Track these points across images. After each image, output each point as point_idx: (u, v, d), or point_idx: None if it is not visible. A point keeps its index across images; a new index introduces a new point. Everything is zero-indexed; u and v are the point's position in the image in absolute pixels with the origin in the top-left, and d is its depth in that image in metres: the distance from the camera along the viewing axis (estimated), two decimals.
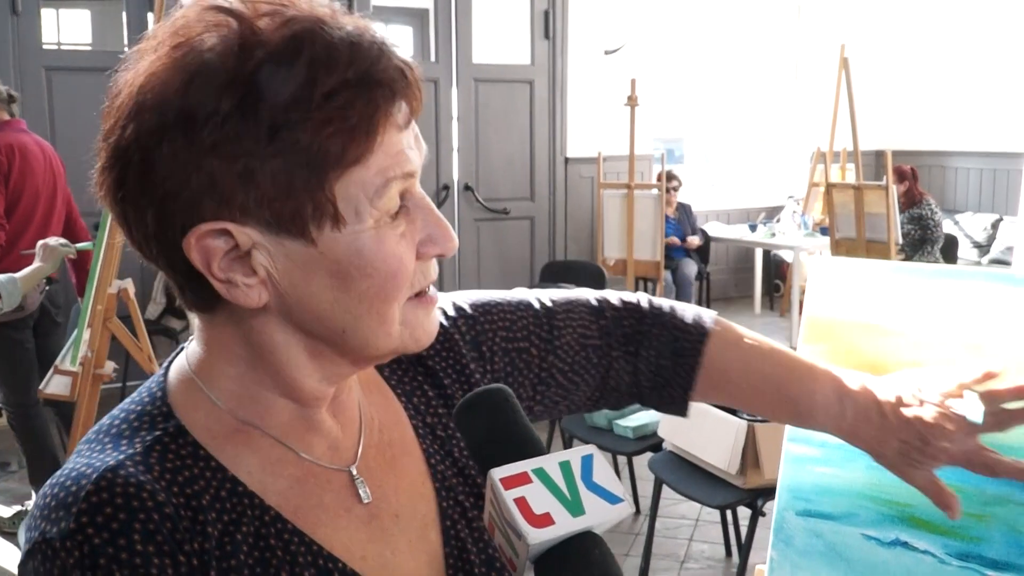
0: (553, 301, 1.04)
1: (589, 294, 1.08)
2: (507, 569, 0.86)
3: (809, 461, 1.25)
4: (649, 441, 3.67)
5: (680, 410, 1.06)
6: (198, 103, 0.70)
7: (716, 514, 3.94)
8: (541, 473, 0.71)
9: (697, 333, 1.04)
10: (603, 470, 0.73)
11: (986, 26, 8.63)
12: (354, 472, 0.84)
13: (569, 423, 4.04)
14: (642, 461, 3.75)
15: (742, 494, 3.05)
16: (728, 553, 3.89)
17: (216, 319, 0.79)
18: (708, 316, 1.06)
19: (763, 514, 3.01)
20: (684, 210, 7.90)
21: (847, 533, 1.21)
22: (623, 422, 3.78)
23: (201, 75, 0.70)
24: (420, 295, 0.80)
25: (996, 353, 1.13)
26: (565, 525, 0.69)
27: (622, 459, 4.11)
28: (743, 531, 3.52)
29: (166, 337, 5.90)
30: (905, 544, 1.16)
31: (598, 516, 0.70)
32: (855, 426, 1.00)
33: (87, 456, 0.76)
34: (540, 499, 0.69)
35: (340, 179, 0.72)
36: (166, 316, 6.13)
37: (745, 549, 3.15)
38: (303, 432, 0.82)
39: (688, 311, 1.07)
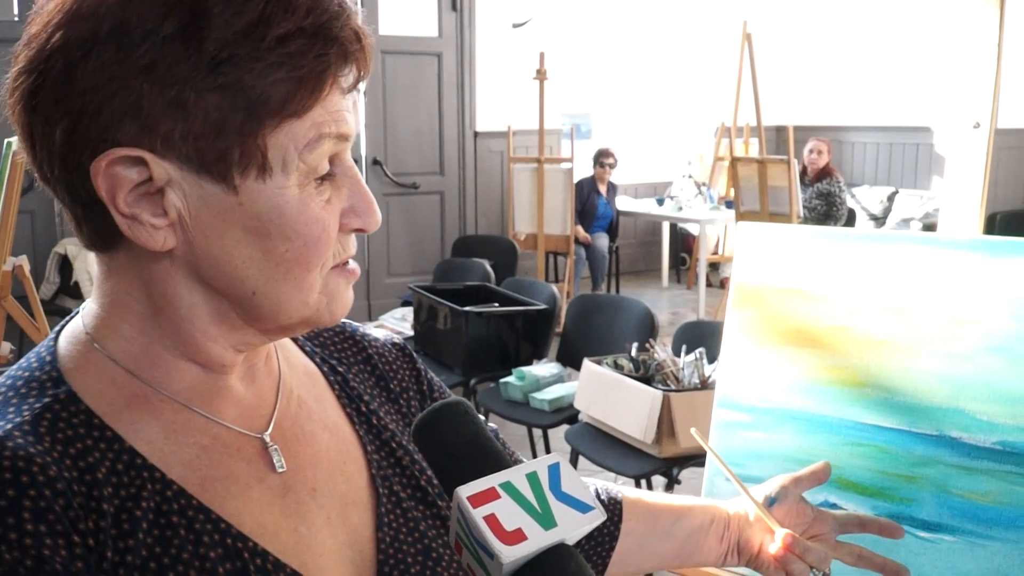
0: None
1: None
2: (441, 563, 0.83)
3: (739, 427, 1.25)
4: (565, 413, 3.69)
5: None
6: (138, 18, 0.66)
7: (631, 484, 3.98)
8: (509, 487, 0.68)
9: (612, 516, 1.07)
10: (571, 478, 0.71)
11: (882, 5, 8.86)
12: (267, 439, 0.79)
13: (485, 397, 4.02)
14: (558, 433, 3.76)
15: (657, 463, 3.08)
16: None
17: (115, 263, 0.74)
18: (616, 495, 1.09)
19: (679, 482, 3.05)
20: (612, 189, 7.93)
21: None
22: (539, 395, 3.78)
23: None
24: (342, 266, 0.76)
25: (920, 315, 1.15)
26: (538, 540, 0.66)
27: (538, 432, 4.11)
28: None
29: (60, 317, 5.64)
30: (834, 506, 1.17)
31: (570, 527, 0.68)
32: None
33: None
34: (510, 515, 0.67)
35: (275, 129, 0.69)
36: (60, 296, 5.91)
37: None
38: (210, 397, 0.77)
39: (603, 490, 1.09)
